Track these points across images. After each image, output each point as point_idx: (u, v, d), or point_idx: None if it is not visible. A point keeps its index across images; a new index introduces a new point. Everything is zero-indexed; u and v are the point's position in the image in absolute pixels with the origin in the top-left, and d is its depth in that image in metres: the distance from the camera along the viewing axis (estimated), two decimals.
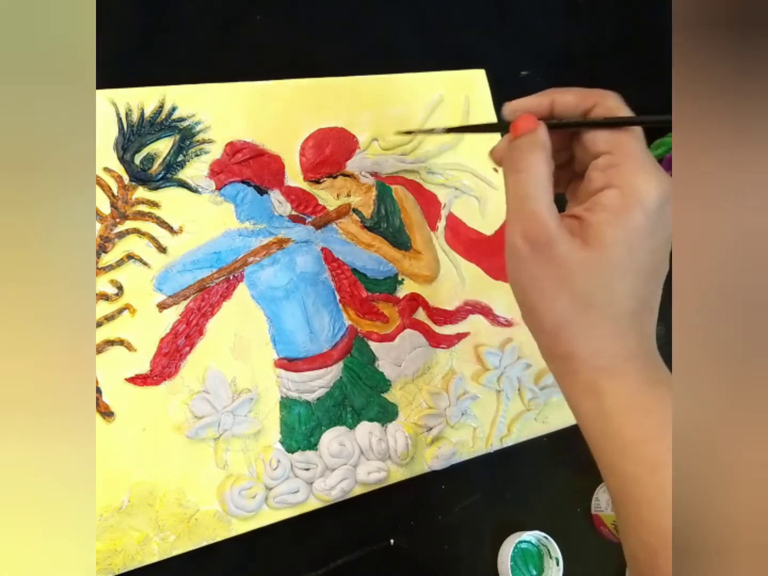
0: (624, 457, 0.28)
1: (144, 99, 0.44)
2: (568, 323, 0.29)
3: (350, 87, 0.51)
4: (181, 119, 0.45)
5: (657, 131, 0.62)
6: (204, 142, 0.45)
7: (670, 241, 0.29)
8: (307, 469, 0.43)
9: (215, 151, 0.45)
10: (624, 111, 0.30)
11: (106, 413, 0.40)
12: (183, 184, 0.44)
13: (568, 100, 0.31)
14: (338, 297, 0.47)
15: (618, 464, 0.29)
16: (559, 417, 0.51)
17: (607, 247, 0.28)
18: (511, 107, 0.33)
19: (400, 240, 0.50)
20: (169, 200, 0.43)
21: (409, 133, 0.47)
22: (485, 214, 0.53)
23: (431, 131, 0.44)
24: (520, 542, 0.48)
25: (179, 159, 0.44)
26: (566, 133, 0.32)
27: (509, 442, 0.49)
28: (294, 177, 0.47)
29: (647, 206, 0.27)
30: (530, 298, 0.30)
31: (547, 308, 0.30)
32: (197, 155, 0.45)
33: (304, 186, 0.47)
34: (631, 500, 0.28)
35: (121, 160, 0.43)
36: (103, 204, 0.42)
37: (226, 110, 0.46)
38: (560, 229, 0.29)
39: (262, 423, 0.43)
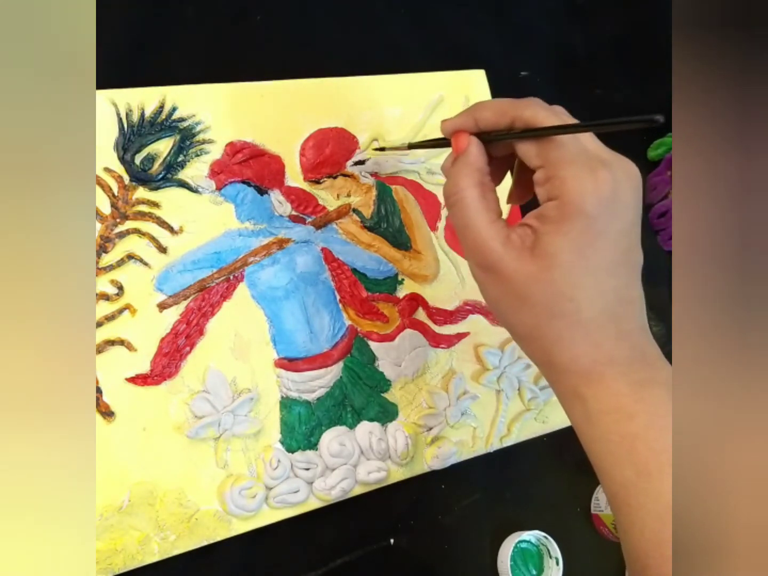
0: (612, 461, 0.28)
1: (144, 99, 0.44)
2: (540, 335, 0.29)
3: (350, 87, 0.51)
4: (182, 119, 0.45)
5: (657, 131, 0.62)
6: (204, 142, 0.45)
7: (633, 226, 0.29)
8: (308, 469, 0.43)
9: (215, 152, 0.45)
10: (549, 117, 0.29)
11: (107, 413, 0.40)
12: (183, 185, 0.44)
13: (487, 116, 0.31)
14: (338, 297, 0.47)
15: (608, 468, 0.29)
16: (558, 417, 0.51)
17: (554, 257, 0.28)
18: (445, 125, 0.33)
19: (400, 240, 0.50)
20: (170, 200, 0.43)
21: (381, 150, 0.48)
22: None
23: (397, 148, 0.47)
24: (520, 542, 0.48)
25: (179, 159, 0.44)
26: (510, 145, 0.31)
27: (509, 441, 0.49)
28: (294, 177, 0.47)
29: (586, 210, 0.27)
30: (500, 316, 0.31)
31: (516, 322, 0.30)
32: (197, 155, 0.45)
33: (304, 186, 0.47)
34: (622, 503, 0.28)
35: (122, 160, 0.43)
36: (104, 204, 0.42)
37: (226, 110, 0.46)
38: (506, 248, 0.29)
39: (263, 423, 0.43)
